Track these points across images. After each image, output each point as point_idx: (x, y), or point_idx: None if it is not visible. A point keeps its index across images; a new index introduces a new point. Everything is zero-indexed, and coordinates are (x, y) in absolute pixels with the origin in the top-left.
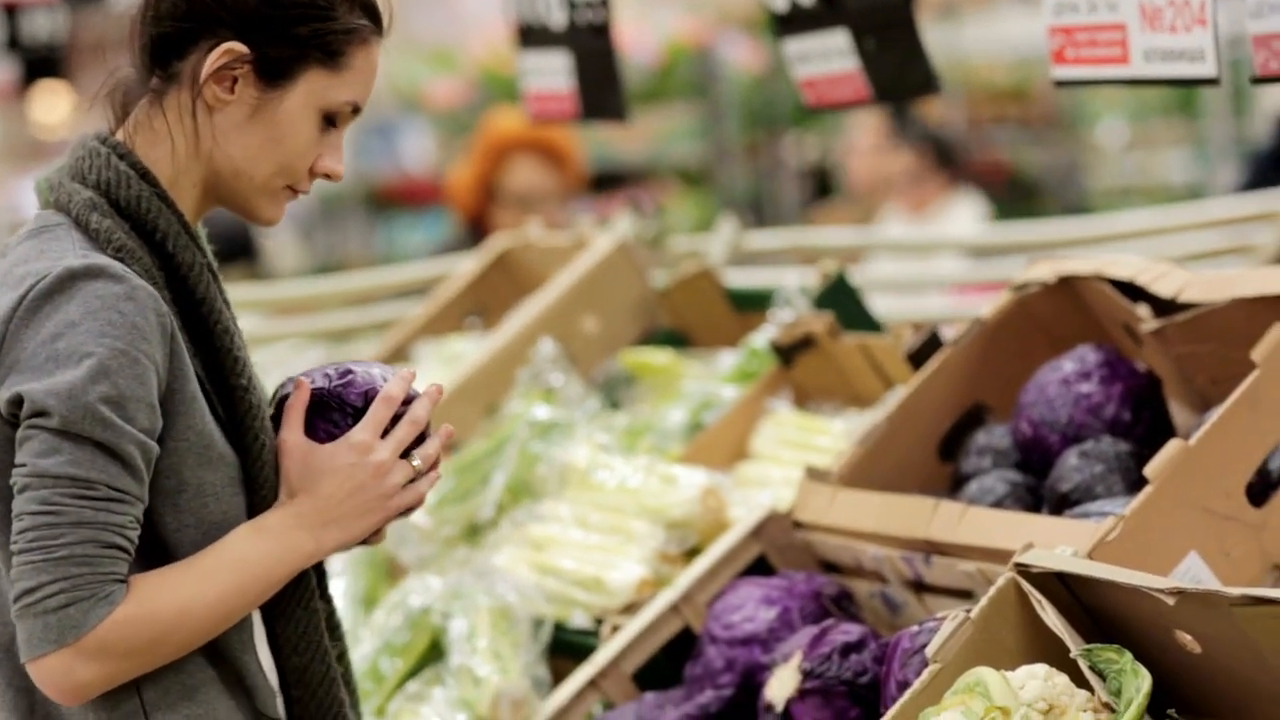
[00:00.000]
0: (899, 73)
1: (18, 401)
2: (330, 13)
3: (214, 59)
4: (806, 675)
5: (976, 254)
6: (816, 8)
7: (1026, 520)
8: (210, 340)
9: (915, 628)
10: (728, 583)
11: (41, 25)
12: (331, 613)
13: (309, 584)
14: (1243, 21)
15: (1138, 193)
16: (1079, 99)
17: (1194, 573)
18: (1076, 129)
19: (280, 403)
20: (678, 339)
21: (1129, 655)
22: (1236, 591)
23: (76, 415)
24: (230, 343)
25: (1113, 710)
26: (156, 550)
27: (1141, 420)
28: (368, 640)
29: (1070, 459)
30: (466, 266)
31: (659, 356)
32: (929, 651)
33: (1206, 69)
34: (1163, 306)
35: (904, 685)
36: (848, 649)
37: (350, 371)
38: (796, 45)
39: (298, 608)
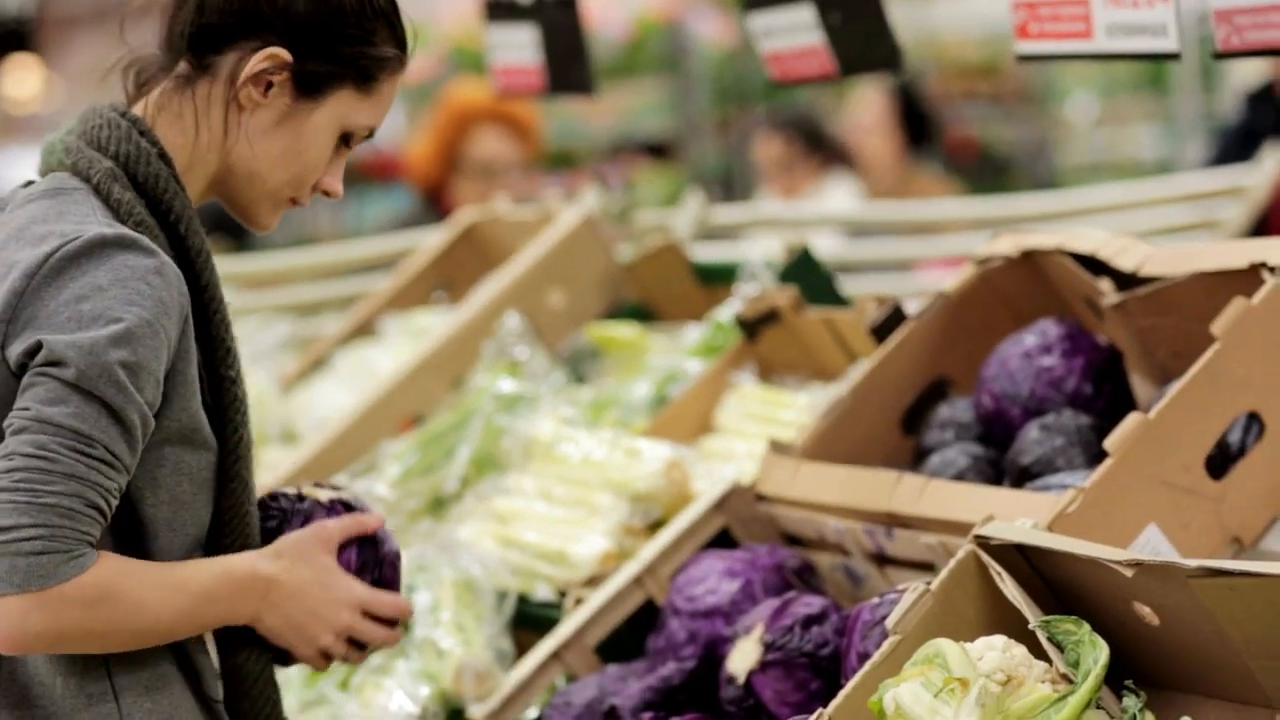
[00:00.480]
0: (864, 47)
1: (32, 351)
2: (372, 38)
3: (257, 61)
4: (768, 647)
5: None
6: None
7: (987, 493)
8: (208, 328)
9: (876, 600)
10: (691, 555)
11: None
12: None
13: None
14: None
15: (1108, 168)
16: (1049, 75)
17: (1153, 545)
18: (1047, 105)
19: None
20: (643, 313)
21: (1087, 627)
22: (1193, 563)
23: (94, 372)
24: (225, 333)
25: (1070, 681)
26: (125, 521)
27: (1102, 393)
28: None
29: (1031, 432)
30: (433, 240)
31: (624, 330)
32: (889, 623)
33: (1168, 43)
34: (1124, 280)
35: (864, 657)
36: (809, 621)
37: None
38: (761, 19)
39: None
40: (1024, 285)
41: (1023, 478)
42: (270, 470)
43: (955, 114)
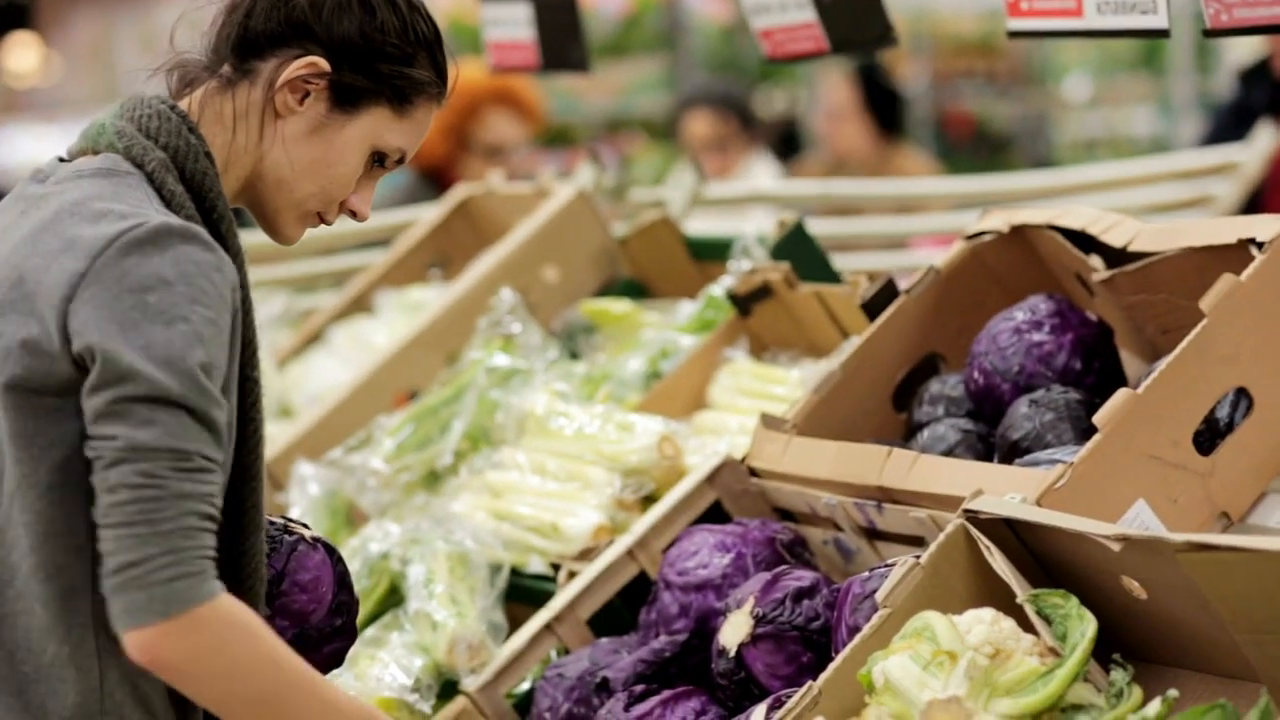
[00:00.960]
0: (856, 24)
1: (105, 360)
2: (413, 60)
3: (295, 67)
4: (759, 620)
5: (929, 207)
6: None
7: (977, 468)
8: (242, 329)
9: (866, 574)
10: (683, 529)
11: None
12: None
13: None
14: None
15: (1103, 146)
16: (1045, 54)
17: (1141, 520)
18: (1043, 83)
19: None
20: (637, 288)
21: (1075, 600)
22: (1180, 538)
23: (173, 382)
24: (253, 335)
25: (1058, 654)
26: None
27: (1092, 369)
28: None
29: (1021, 407)
30: (428, 216)
31: (618, 305)
32: (879, 597)
33: (1158, 20)
34: (1114, 256)
35: (854, 630)
36: (800, 595)
37: None
38: None
39: None
40: (1014, 261)
41: (1012, 453)
42: (266, 444)
43: (951, 92)
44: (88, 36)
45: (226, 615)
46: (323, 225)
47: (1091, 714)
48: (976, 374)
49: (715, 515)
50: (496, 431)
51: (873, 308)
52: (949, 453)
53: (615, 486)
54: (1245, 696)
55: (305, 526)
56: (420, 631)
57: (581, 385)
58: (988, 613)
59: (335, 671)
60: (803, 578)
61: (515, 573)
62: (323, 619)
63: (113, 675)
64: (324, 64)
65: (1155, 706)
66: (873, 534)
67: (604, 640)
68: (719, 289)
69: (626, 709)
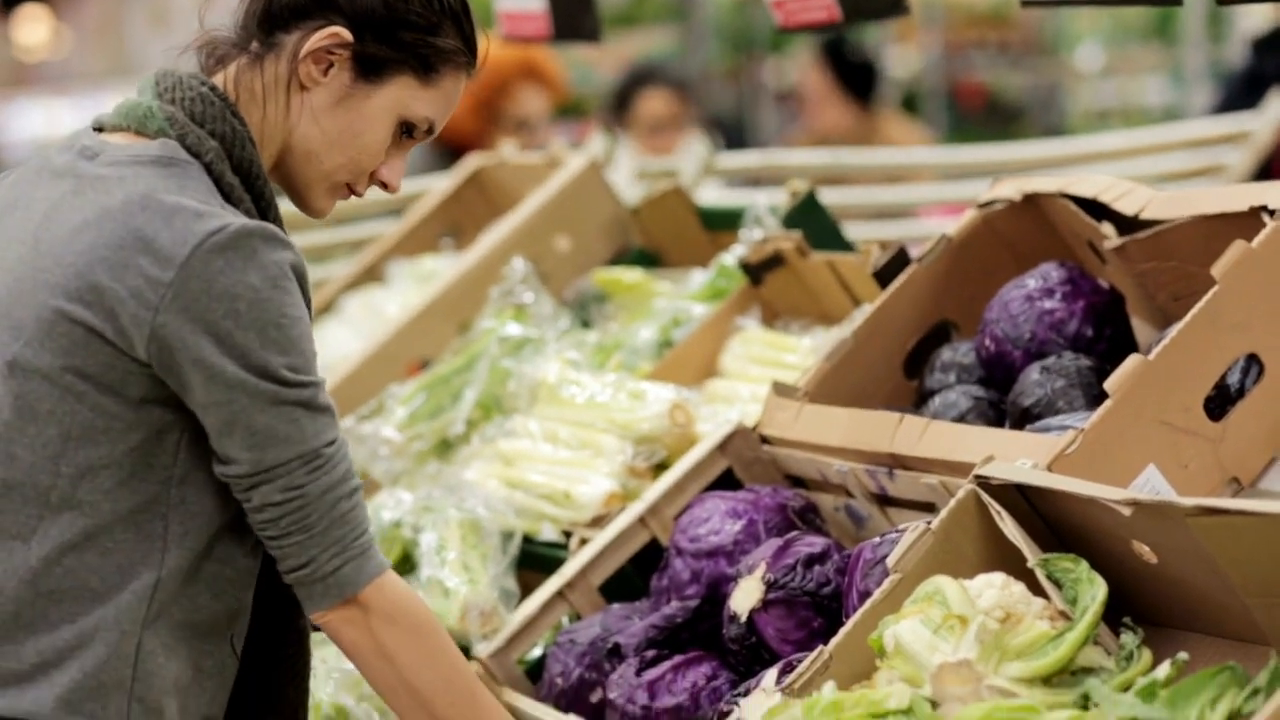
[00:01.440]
0: None
1: (192, 371)
2: (437, 29)
3: (318, 38)
4: (770, 586)
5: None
6: None
7: (988, 434)
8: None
9: (877, 539)
10: (694, 496)
11: None
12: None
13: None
14: None
15: (1115, 116)
16: (1058, 23)
17: (1152, 485)
18: (1056, 53)
19: None
20: (649, 258)
21: (1085, 564)
22: (1191, 502)
23: (277, 387)
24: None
25: (1068, 618)
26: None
27: (1103, 336)
28: None
29: (1032, 374)
30: (440, 186)
31: (630, 275)
32: (890, 562)
33: None
34: (1126, 224)
35: (865, 595)
36: (811, 560)
37: None
38: None
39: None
40: (1026, 229)
41: (1023, 419)
42: None
43: (963, 63)
44: (98, 10)
45: (393, 596)
46: (354, 197)
47: (1101, 677)
48: (988, 341)
49: (727, 482)
50: (508, 400)
51: (885, 276)
52: (960, 419)
53: (627, 454)
54: (1255, 659)
55: None
56: (432, 598)
57: (593, 354)
58: (998, 577)
59: None
60: (814, 544)
61: (527, 540)
62: None
63: (149, 644)
64: (346, 34)
65: (1165, 669)
66: (884, 500)
67: (616, 606)
68: (731, 258)
69: (638, 674)
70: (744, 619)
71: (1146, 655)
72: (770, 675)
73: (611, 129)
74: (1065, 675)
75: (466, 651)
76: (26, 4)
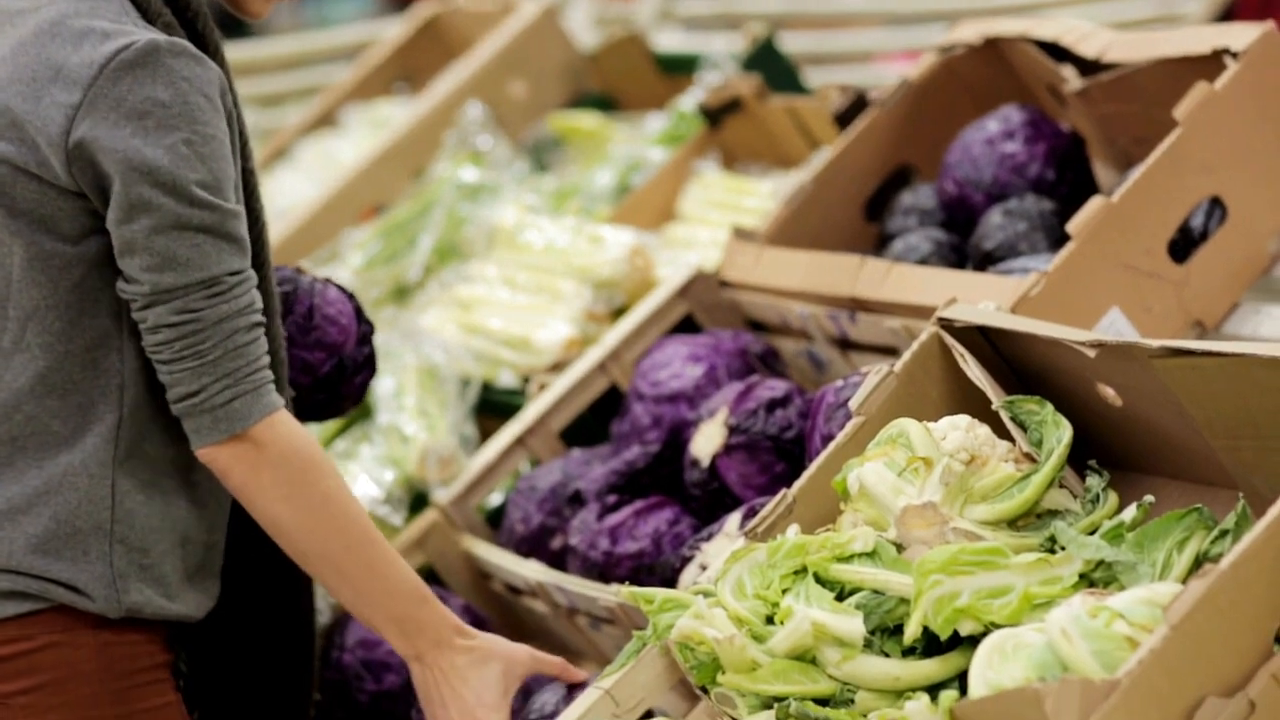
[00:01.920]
0: None
1: (104, 189)
2: None
3: None
4: (732, 430)
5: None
6: None
7: (951, 276)
8: (238, 125)
9: (840, 382)
10: (655, 341)
11: None
12: None
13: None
14: None
15: None
16: None
17: (1115, 328)
18: None
19: None
20: (605, 102)
21: (1050, 407)
22: (1156, 343)
23: (185, 207)
24: (243, 127)
25: (1034, 461)
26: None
27: (1065, 179)
28: None
29: (994, 217)
30: (393, 32)
31: (586, 120)
32: (853, 405)
33: None
34: (1087, 67)
35: (828, 439)
36: (773, 404)
37: None
38: None
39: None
40: (987, 72)
41: (985, 262)
42: None
43: None
44: None
45: (285, 436)
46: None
47: (1067, 519)
48: (949, 185)
49: (687, 327)
50: (465, 245)
51: (844, 119)
52: (922, 262)
53: (586, 299)
54: (1221, 503)
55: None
56: (391, 444)
57: (551, 199)
58: (963, 420)
59: None
60: (775, 388)
61: (486, 386)
62: (353, 349)
63: (125, 484)
64: None
65: (1131, 512)
66: (845, 344)
67: (576, 452)
68: (689, 102)
69: (599, 520)
70: (706, 464)
71: (1113, 498)
72: (733, 520)
73: None
74: (1031, 518)
75: (425, 498)
76: None
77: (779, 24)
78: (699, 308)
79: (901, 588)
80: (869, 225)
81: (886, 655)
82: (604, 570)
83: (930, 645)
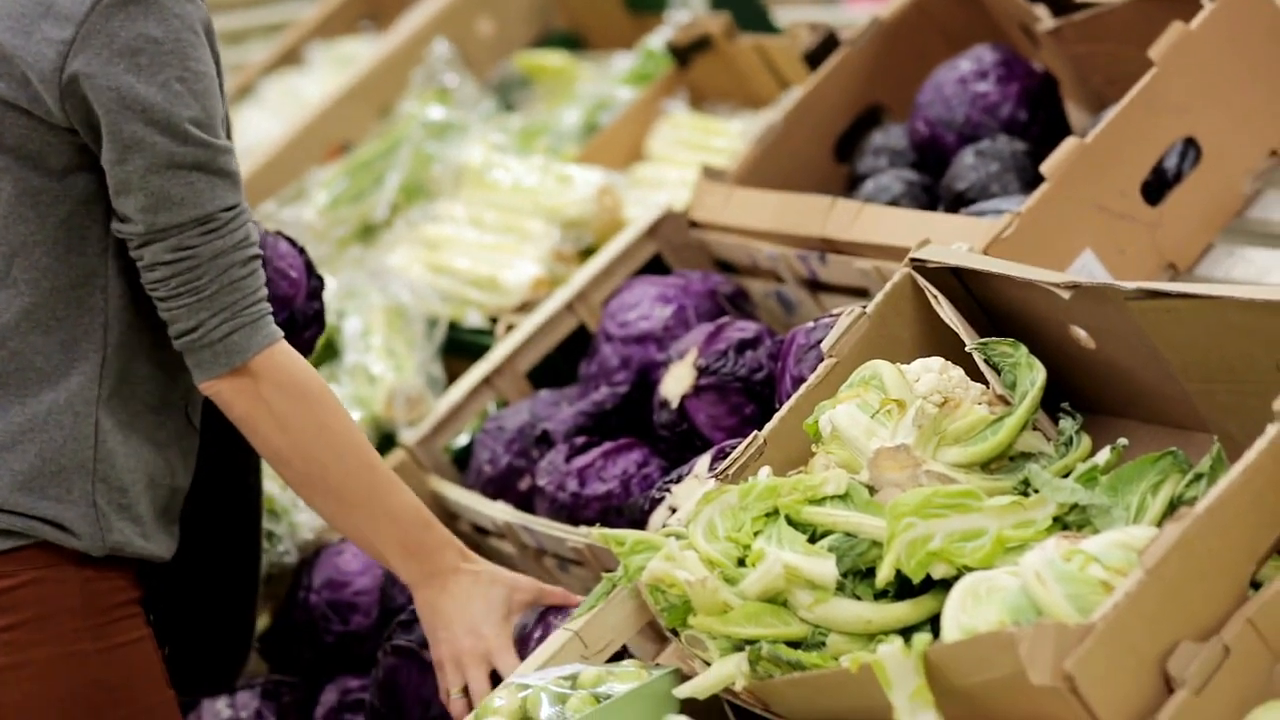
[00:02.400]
0: None
1: (97, 127)
2: None
3: None
4: (701, 371)
5: None
6: None
7: (923, 217)
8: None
9: (810, 324)
10: (623, 281)
11: None
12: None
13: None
14: None
15: None
16: None
17: (1089, 269)
18: None
19: None
20: (572, 41)
21: (1024, 349)
22: (1131, 285)
23: (179, 145)
24: (220, 65)
25: (1007, 403)
26: None
27: (1037, 120)
28: None
29: (966, 158)
30: None
31: (554, 58)
32: (825, 346)
33: None
34: (1060, 6)
35: (799, 381)
36: (743, 345)
37: None
38: None
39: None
40: (959, 12)
41: (957, 203)
42: None
43: None
44: None
45: (285, 366)
46: None
47: (1041, 462)
48: (921, 125)
49: (656, 268)
50: (432, 184)
51: (814, 59)
52: (893, 203)
53: (554, 239)
54: (1196, 446)
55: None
56: (358, 384)
57: (518, 138)
58: (936, 361)
59: None
60: (745, 329)
61: (453, 326)
62: (304, 303)
63: (107, 423)
64: None
65: (1105, 455)
66: (815, 286)
67: (544, 393)
68: (657, 41)
69: (567, 461)
70: (675, 405)
71: (1086, 441)
72: (703, 462)
73: None
74: (1004, 461)
75: (392, 439)
76: None
77: None
78: (668, 248)
79: (874, 530)
80: (839, 166)
81: (859, 598)
82: (572, 512)
83: (903, 588)
